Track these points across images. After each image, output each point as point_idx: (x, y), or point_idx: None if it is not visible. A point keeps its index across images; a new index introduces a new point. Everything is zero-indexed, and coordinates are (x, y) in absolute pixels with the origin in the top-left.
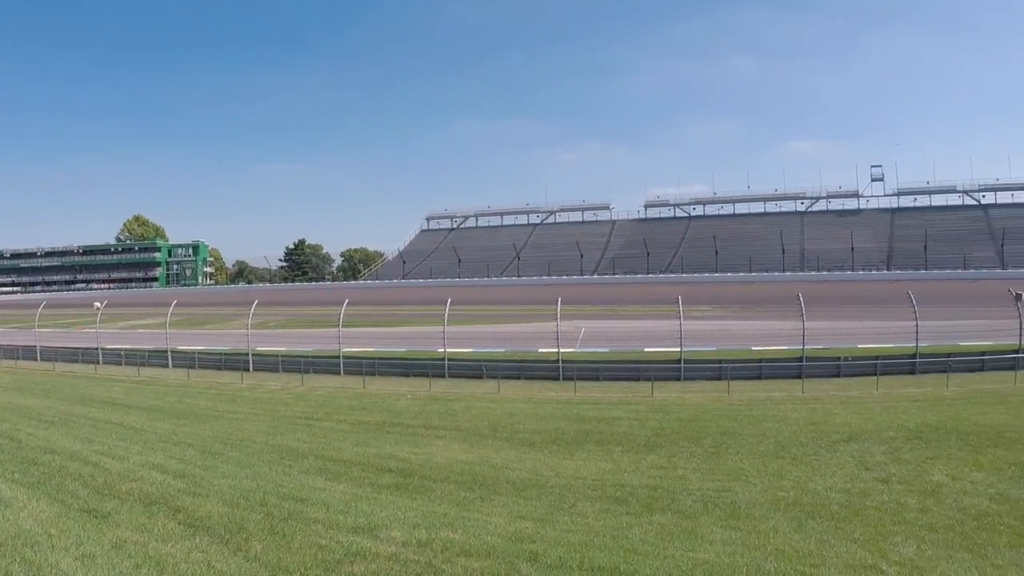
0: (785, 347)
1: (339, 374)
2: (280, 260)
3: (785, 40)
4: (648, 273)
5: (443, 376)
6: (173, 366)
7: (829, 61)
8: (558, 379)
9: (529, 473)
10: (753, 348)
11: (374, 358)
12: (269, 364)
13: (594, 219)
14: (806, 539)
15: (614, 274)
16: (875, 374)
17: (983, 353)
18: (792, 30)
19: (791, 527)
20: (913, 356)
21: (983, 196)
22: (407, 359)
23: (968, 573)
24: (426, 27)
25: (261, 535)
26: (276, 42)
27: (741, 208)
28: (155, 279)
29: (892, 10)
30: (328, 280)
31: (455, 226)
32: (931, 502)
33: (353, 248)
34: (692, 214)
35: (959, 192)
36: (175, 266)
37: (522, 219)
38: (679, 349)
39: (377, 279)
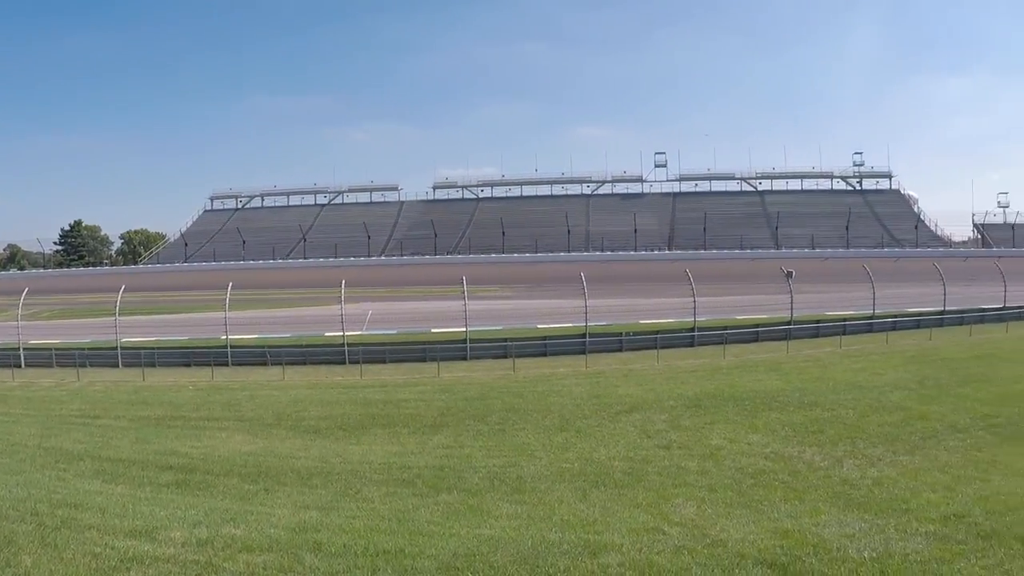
0: (570, 324)
1: (118, 367)
2: (55, 243)
3: (579, 28)
4: (436, 255)
5: (226, 364)
6: None
7: (621, 51)
8: (344, 363)
9: (315, 461)
10: (539, 326)
11: (154, 348)
12: (43, 359)
13: (383, 200)
14: (590, 508)
15: (402, 256)
16: (655, 348)
17: (757, 326)
18: (586, 19)
19: (576, 497)
20: (692, 330)
21: (760, 183)
22: (189, 348)
23: (746, 527)
24: None
25: (32, 548)
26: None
27: (529, 191)
28: None
29: (683, 9)
30: (107, 264)
31: (240, 206)
32: (710, 464)
33: (133, 230)
34: (480, 196)
35: (737, 179)
36: None
37: (309, 199)
38: (465, 329)
39: (158, 263)
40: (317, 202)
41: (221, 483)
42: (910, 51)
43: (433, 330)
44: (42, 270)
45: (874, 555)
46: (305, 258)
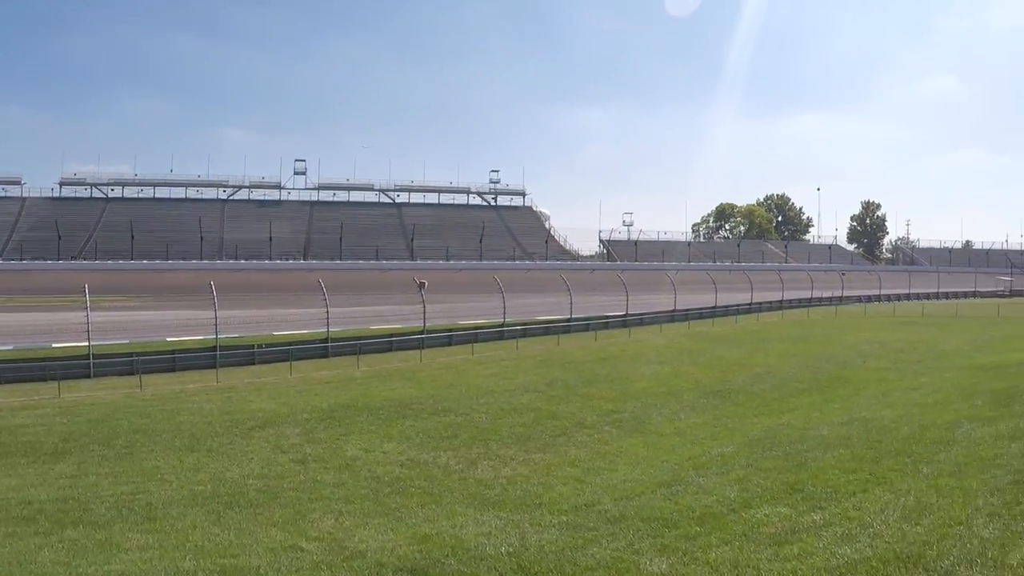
0: (200, 337)
1: None
2: None
3: (233, 24)
4: (59, 259)
5: None
6: None
7: (274, 53)
8: None
9: None
10: (168, 339)
11: None
12: None
13: (3, 195)
14: (225, 530)
15: (22, 259)
16: (289, 360)
17: (392, 335)
18: (244, 16)
19: (210, 521)
20: (326, 340)
21: (398, 195)
22: None
23: (384, 535)
24: None
25: None
26: None
27: (163, 192)
28: None
29: (347, 17)
30: None
31: None
32: (347, 476)
33: None
34: (111, 196)
35: (376, 190)
36: None
37: None
38: (88, 344)
39: None
40: None
41: None
42: (550, 79)
43: (54, 345)
44: None
45: (511, 550)
46: None
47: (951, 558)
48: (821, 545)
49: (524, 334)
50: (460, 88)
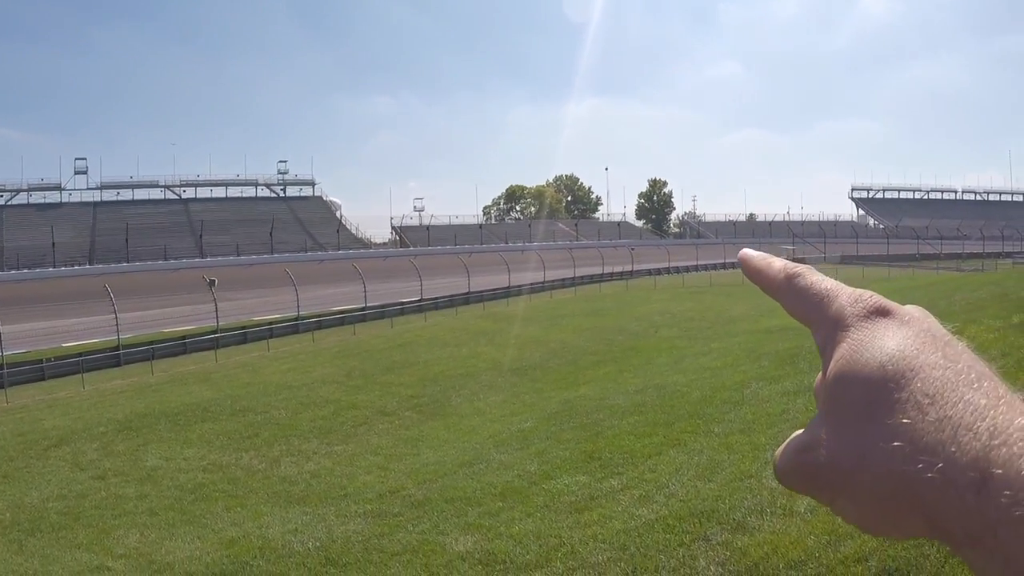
0: None
1: None
2: None
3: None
4: None
5: None
6: None
7: (49, 47)
8: None
9: None
10: None
11: None
12: None
13: None
14: (29, 559)
15: None
16: (81, 371)
17: (185, 337)
18: (7, 7)
19: (11, 551)
20: (117, 348)
21: (184, 191)
22: None
23: (191, 544)
24: None
25: None
26: None
27: None
28: None
29: (121, 7)
30: None
31: None
32: (149, 487)
33: None
34: None
35: (162, 187)
36: None
37: None
38: None
39: None
40: None
41: None
42: (338, 69)
43: None
44: None
45: (318, 544)
46: None
47: (743, 510)
48: (620, 509)
49: (319, 326)
50: (245, 80)
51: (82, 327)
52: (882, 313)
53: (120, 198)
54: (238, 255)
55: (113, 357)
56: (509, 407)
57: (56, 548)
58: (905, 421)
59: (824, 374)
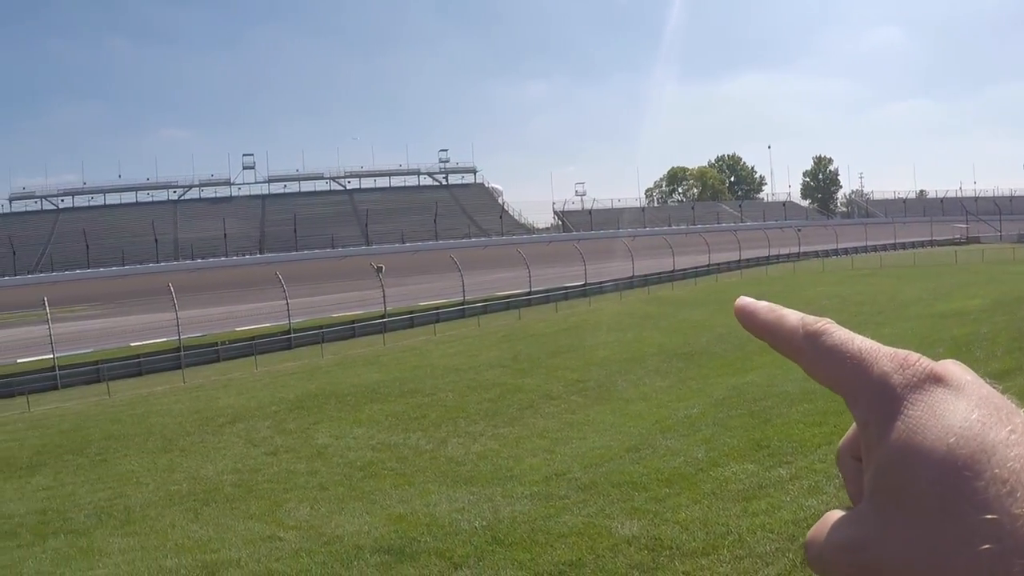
0: (163, 339)
1: None
2: None
3: (163, 25)
4: (16, 275)
5: None
6: None
7: (209, 51)
8: None
9: None
10: (132, 344)
11: None
12: None
13: None
14: (204, 527)
15: None
16: (253, 354)
17: (354, 322)
18: (171, 16)
19: (188, 519)
20: (288, 332)
21: (348, 182)
22: None
23: (360, 519)
24: None
25: None
26: None
27: (113, 199)
28: None
29: (273, 10)
30: None
31: None
32: (319, 464)
33: None
34: (61, 207)
35: (327, 179)
36: None
37: None
38: (52, 356)
39: None
40: None
41: None
42: (493, 56)
43: (18, 360)
44: None
45: (484, 523)
46: None
47: None
48: (788, 499)
49: (485, 311)
50: (402, 72)
51: (254, 312)
52: (935, 380)
53: (287, 190)
54: (403, 242)
55: (284, 340)
56: (675, 392)
57: (230, 518)
58: (991, 517)
59: (867, 450)
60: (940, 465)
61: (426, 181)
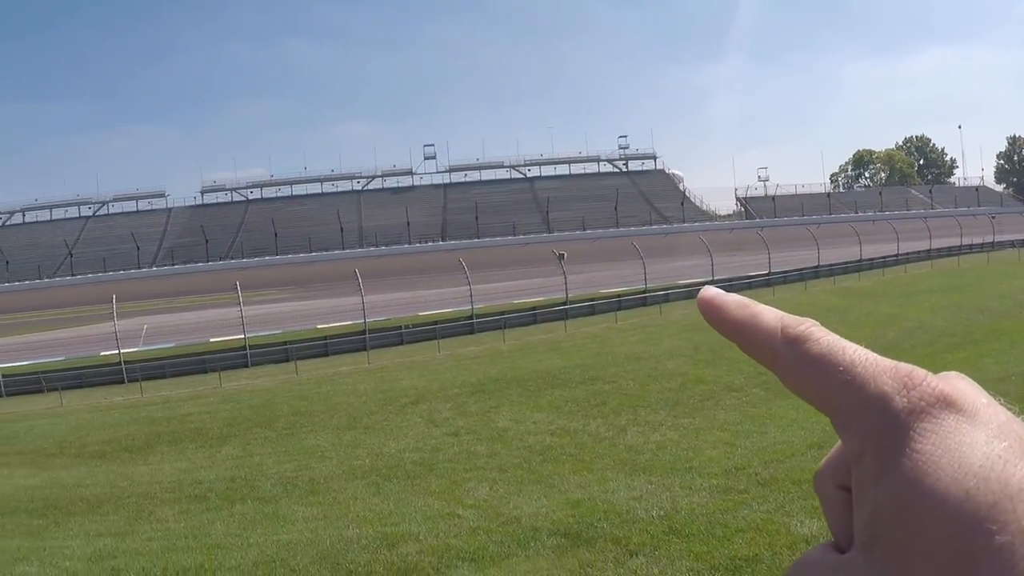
0: (349, 322)
1: None
2: None
3: (339, 25)
4: (208, 261)
5: None
6: None
7: (385, 46)
8: (123, 382)
9: (103, 487)
10: (318, 326)
11: None
12: None
13: (150, 208)
14: (385, 501)
15: (173, 265)
16: (436, 338)
17: (535, 308)
18: (346, 16)
19: (370, 492)
20: (470, 317)
21: (528, 170)
22: None
23: (538, 502)
24: None
25: None
26: None
27: (299, 189)
28: None
29: (448, 2)
30: None
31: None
32: (499, 446)
33: None
34: (250, 198)
35: (507, 167)
36: None
37: (73, 212)
38: (243, 336)
39: None
40: (82, 214)
41: (7, 522)
42: (671, 39)
43: (212, 339)
44: None
45: (661, 513)
46: (73, 275)
47: None
48: None
49: (667, 299)
50: (578, 59)
51: (437, 298)
52: (945, 404)
53: (468, 179)
54: (583, 229)
55: (467, 325)
56: None
57: (410, 494)
58: None
59: (860, 485)
60: (957, 515)
61: (606, 168)
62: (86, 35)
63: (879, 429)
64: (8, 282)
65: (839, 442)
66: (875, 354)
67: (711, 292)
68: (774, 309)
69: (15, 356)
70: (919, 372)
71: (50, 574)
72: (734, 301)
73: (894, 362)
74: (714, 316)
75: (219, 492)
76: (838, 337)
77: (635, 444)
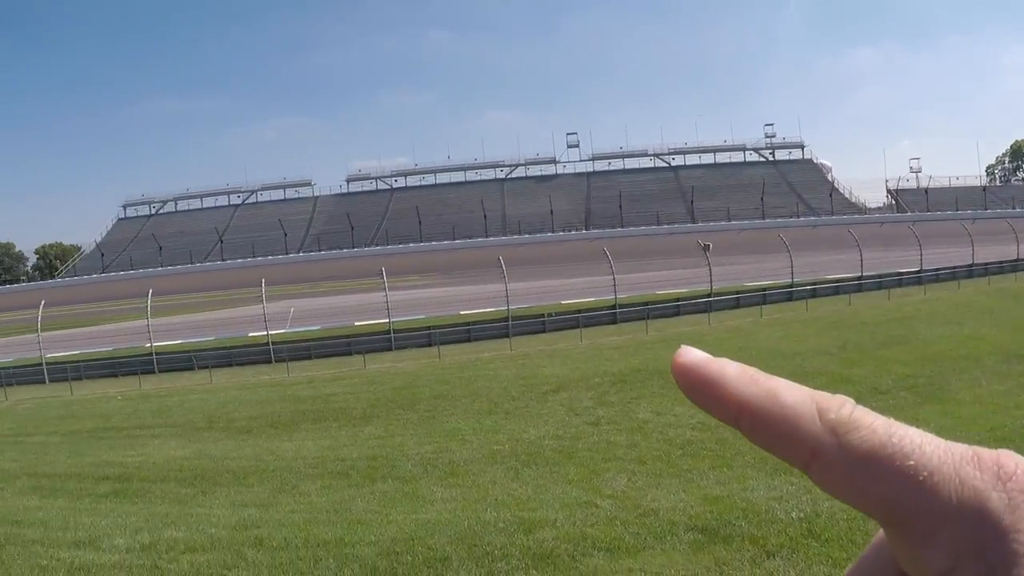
0: (492, 309)
1: (45, 383)
2: None
3: (481, 15)
4: (353, 247)
5: (152, 372)
6: None
7: (525, 34)
8: (270, 362)
9: (249, 460)
10: (461, 313)
11: (80, 361)
12: None
13: (296, 196)
14: (523, 486)
15: (320, 251)
16: (578, 327)
17: (678, 300)
18: (488, 6)
19: (509, 477)
20: (613, 307)
21: (673, 159)
22: (114, 358)
23: (676, 495)
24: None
25: None
26: None
27: (443, 178)
28: None
29: None
30: (23, 281)
31: (154, 212)
32: (638, 437)
33: (48, 244)
34: (395, 186)
35: (650, 155)
36: None
37: (223, 200)
38: (388, 320)
39: (75, 275)
40: (231, 202)
41: (158, 489)
42: (818, 24)
43: (356, 323)
44: None
45: (801, 515)
46: (223, 260)
47: None
48: None
49: (814, 294)
50: (723, 43)
51: (579, 287)
52: None
53: (611, 168)
54: (729, 220)
55: (609, 315)
56: (1014, 399)
57: (549, 480)
58: None
59: None
60: None
61: (751, 157)
62: (234, 33)
63: (979, 537)
64: (162, 266)
65: (869, 550)
66: (942, 439)
67: (692, 357)
68: (796, 384)
69: (168, 335)
70: (1008, 458)
71: (197, 539)
72: (735, 373)
73: (972, 448)
74: (704, 392)
75: (360, 470)
76: (890, 420)
77: None
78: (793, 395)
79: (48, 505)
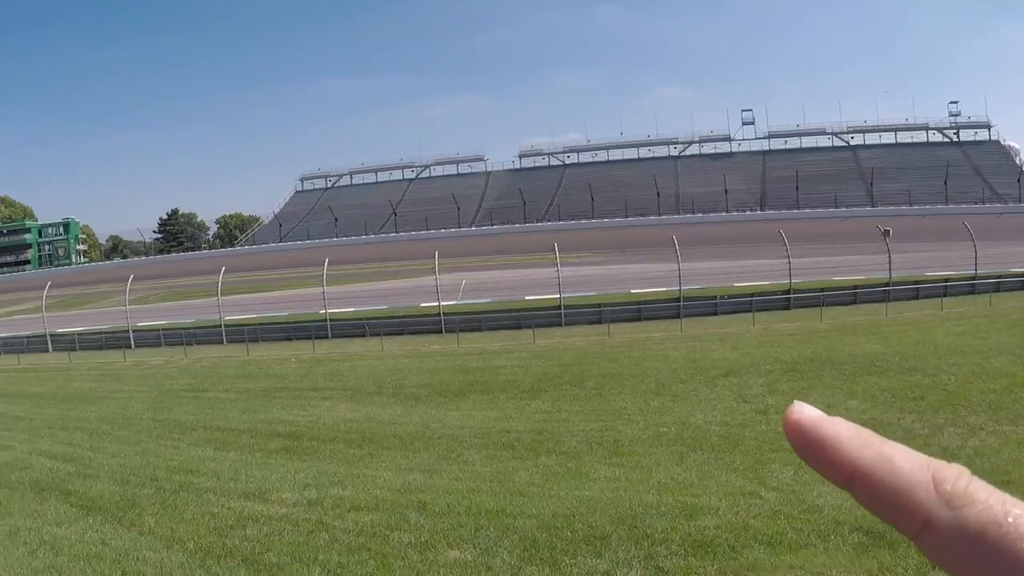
0: (663, 288)
1: (222, 343)
2: (154, 232)
3: None
4: (525, 223)
5: (326, 337)
6: (53, 350)
7: (697, 8)
8: (441, 332)
9: (416, 426)
10: (632, 291)
11: (256, 324)
12: (151, 339)
13: (469, 171)
14: (687, 471)
15: (491, 225)
16: (751, 311)
17: (855, 287)
18: None
19: (673, 461)
20: (787, 292)
21: (851, 138)
22: (289, 323)
23: (842, 494)
24: None
25: (153, 509)
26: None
27: (615, 155)
28: (27, 262)
29: None
30: (205, 249)
31: (330, 186)
32: None
33: (228, 214)
34: (566, 163)
35: (829, 134)
36: (47, 247)
37: (396, 175)
38: (559, 296)
39: (254, 244)
40: (405, 177)
41: (327, 448)
42: None
43: (527, 297)
44: (144, 257)
45: None
46: (396, 232)
47: None
48: None
49: (998, 288)
50: (903, 16)
51: (753, 269)
52: None
53: (787, 146)
54: (910, 204)
55: (783, 300)
56: None
57: (713, 467)
58: None
59: None
60: None
61: (935, 137)
62: (407, 11)
63: None
64: (337, 237)
65: None
66: None
67: (806, 414)
68: (911, 450)
69: (342, 303)
70: None
71: (362, 499)
72: (850, 434)
73: None
74: (816, 454)
75: (525, 443)
76: (1007, 496)
77: (950, 447)
78: (908, 462)
79: (221, 457)
